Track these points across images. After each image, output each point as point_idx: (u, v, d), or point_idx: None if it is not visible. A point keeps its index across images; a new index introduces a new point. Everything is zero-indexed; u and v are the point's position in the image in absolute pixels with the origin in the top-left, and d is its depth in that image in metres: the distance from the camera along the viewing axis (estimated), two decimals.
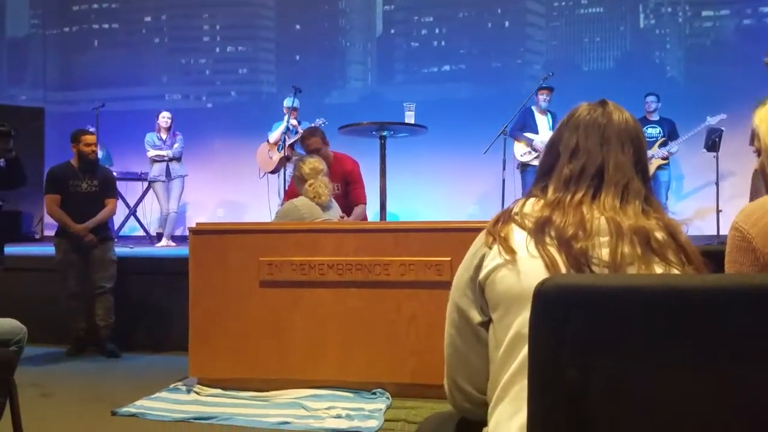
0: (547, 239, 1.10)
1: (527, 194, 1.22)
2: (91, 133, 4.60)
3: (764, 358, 0.88)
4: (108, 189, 4.59)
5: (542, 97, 6.16)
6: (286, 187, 6.19)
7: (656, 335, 0.89)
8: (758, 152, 1.50)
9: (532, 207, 1.16)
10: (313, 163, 3.90)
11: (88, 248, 4.35)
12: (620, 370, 0.90)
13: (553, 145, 1.24)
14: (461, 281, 1.20)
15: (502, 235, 1.13)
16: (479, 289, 1.16)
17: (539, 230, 1.11)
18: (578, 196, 1.14)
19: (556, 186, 1.17)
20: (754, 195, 4.08)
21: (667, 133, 6.39)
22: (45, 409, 3.15)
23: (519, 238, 1.12)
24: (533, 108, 6.19)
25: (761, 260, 1.30)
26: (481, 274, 1.15)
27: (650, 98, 6.45)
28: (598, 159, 1.16)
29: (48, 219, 7.97)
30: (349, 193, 4.43)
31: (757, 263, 1.31)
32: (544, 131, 6.20)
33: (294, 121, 6.39)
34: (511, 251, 1.11)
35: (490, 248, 1.15)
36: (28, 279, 4.78)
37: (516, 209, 1.17)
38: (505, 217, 1.17)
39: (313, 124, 6.46)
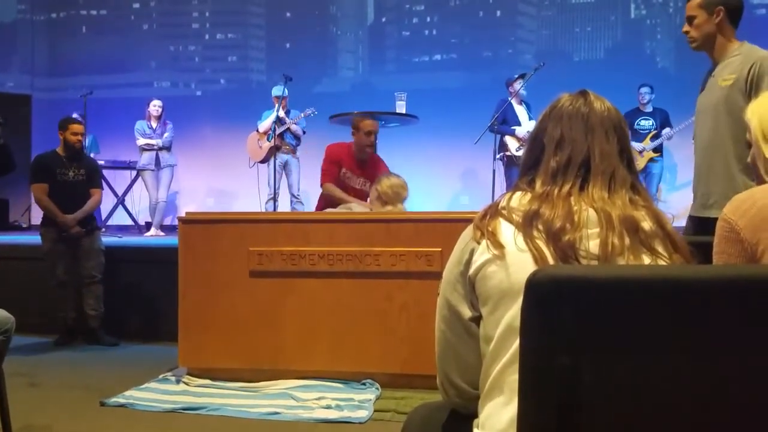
0: (535, 232, 1.10)
1: (513, 188, 1.22)
2: (79, 122, 4.60)
3: (753, 347, 0.88)
4: (94, 179, 4.57)
5: (519, 87, 6.07)
6: (275, 176, 6.17)
7: (647, 325, 0.89)
8: (749, 144, 1.51)
9: (519, 201, 1.16)
10: (398, 187, 3.77)
11: (74, 238, 4.33)
12: (612, 360, 0.90)
13: (536, 138, 1.23)
14: (451, 276, 1.19)
15: (490, 229, 1.13)
16: (469, 284, 1.15)
17: (527, 224, 1.11)
18: (566, 188, 1.14)
19: (544, 179, 1.17)
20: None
21: (660, 123, 6.39)
22: (33, 399, 3.13)
23: (507, 232, 1.12)
24: (511, 100, 6.14)
25: (748, 251, 1.31)
26: (471, 270, 1.14)
27: (644, 89, 6.42)
28: (584, 148, 1.16)
29: (35, 208, 7.91)
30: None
31: (745, 254, 1.32)
32: (525, 121, 6.19)
33: (282, 112, 6.35)
34: (499, 246, 1.11)
35: (479, 243, 1.14)
36: (16, 268, 4.75)
37: (503, 203, 1.17)
38: (492, 211, 1.16)
39: (302, 114, 6.45)
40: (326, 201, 4.39)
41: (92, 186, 4.53)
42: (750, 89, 2.56)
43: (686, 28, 2.78)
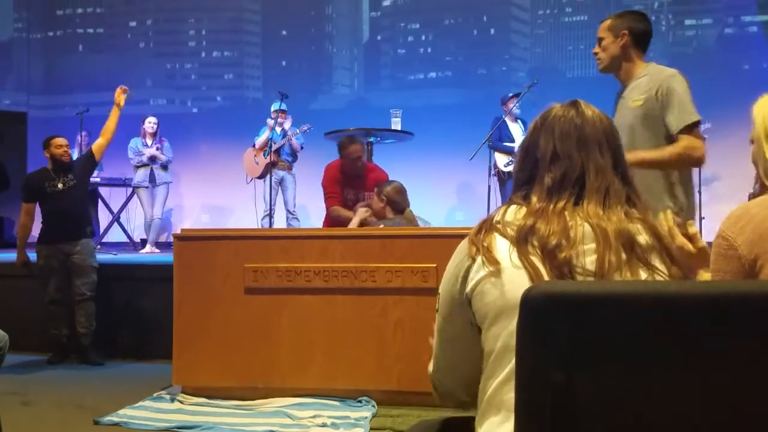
0: (530, 248, 1.09)
1: (508, 201, 1.21)
2: (61, 137, 4.60)
3: (749, 363, 0.88)
4: (85, 159, 4.63)
5: (513, 105, 6.17)
6: (271, 192, 6.17)
7: (643, 341, 0.89)
8: (752, 141, 1.50)
9: (514, 215, 1.15)
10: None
11: (68, 254, 4.32)
12: (607, 377, 0.89)
13: (528, 151, 1.22)
14: (448, 294, 1.19)
15: (485, 245, 1.12)
16: (467, 300, 1.15)
17: (522, 239, 1.10)
18: (561, 204, 1.13)
19: (539, 196, 1.16)
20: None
21: None
22: (26, 418, 3.10)
23: (502, 247, 1.11)
24: (505, 118, 6.20)
25: (746, 267, 1.31)
26: (468, 287, 1.14)
27: None
28: (578, 165, 1.15)
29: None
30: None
31: (743, 270, 1.31)
32: (518, 138, 6.24)
33: (281, 126, 6.38)
34: (494, 262, 1.10)
35: (474, 259, 1.13)
36: (10, 286, 4.72)
37: (497, 217, 1.16)
38: (487, 225, 1.16)
39: (298, 130, 6.47)
40: (333, 221, 4.37)
41: (91, 148, 4.60)
42: (662, 105, 2.62)
43: (596, 49, 2.84)
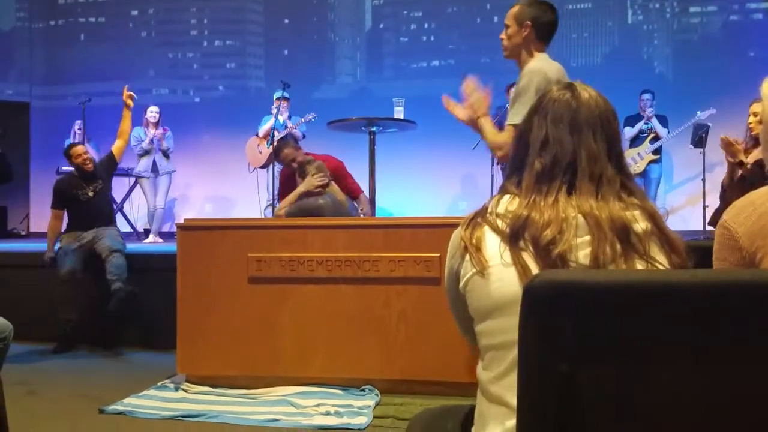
0: (521, 244, 1.07)
1: (501, 189, 1.18)
2: (77, 144, 4.74)
3: (753, 353, 0.88)
4: (107, 161, 4.76)
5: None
6: (274, 182, 6.18)
7: (647, 331, 0.88)
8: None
9: (506, 207, 1.12)
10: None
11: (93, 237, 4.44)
12: (611, 367, 0.89)
13: (522, 136, 1.19)
14: (449, 289, 1.21)
15: (474, 242, 1.10)
16: (462, 296, 1.15)
17: (514, 235, 1.08)
18: (552, 194, 1.10)
19: (529, 184, 1.13)
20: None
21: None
22: (31, 407, 3.12)
23: (492, 244, 1.10)
24: (508, 106, 6.17)
25: (746, 259, 1.30)
26: (461, 284, 1.14)
27: (646, 96, 6.46)
28: (569, 150, 1.12)
29: (34, 215, 7.90)
30: (342, 189, 4.45)
31: (743, 262, 1.31)
32: None
33: (283, 114, 6.37)
34: (480, 263, 1.09)
35: (463, 257, 1.13)
36: (14, 276, 4.74)
37: (491, 208, 1.14)
38: (479, 218, 1.14)
39: (302, 119, 6.47)
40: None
41: (108, 156, 4.75)
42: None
43: (502, 35, 2.90)
